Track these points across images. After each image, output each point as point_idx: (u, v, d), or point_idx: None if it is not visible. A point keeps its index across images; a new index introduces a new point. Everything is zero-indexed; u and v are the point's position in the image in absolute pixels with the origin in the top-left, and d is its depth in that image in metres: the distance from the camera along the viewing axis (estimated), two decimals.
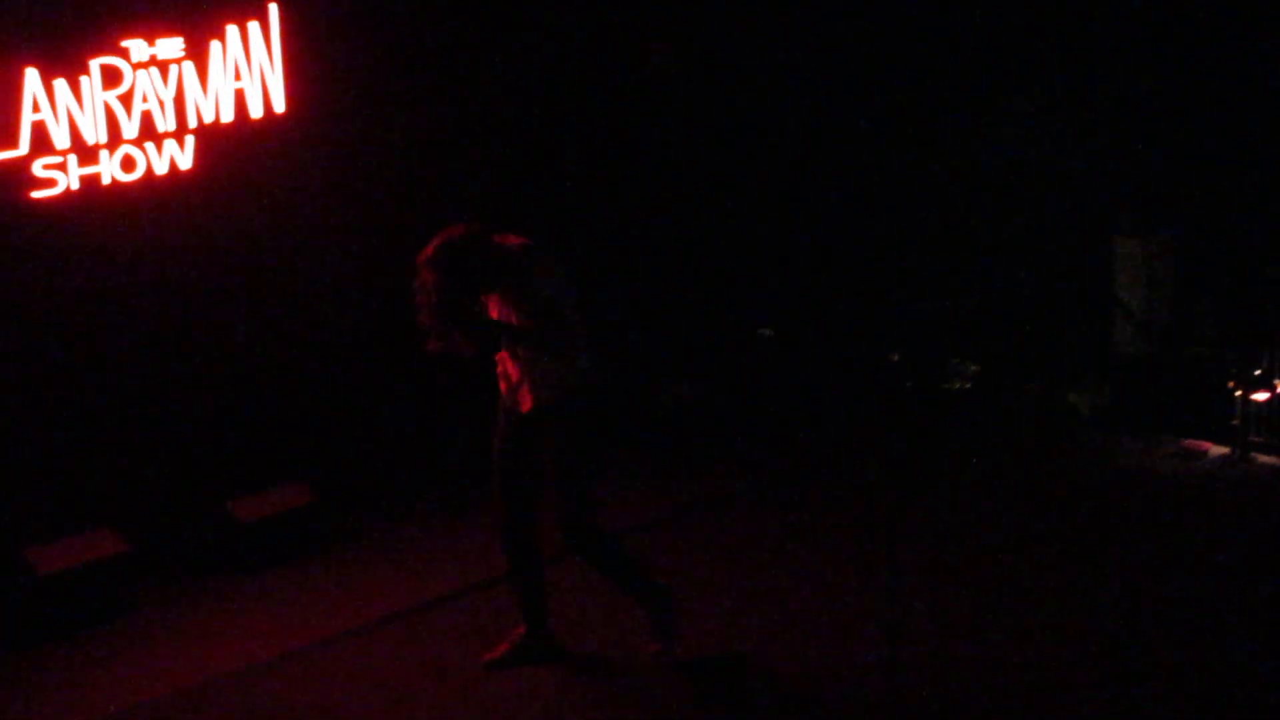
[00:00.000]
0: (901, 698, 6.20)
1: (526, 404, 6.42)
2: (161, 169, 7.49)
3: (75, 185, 7.28)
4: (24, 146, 7.11)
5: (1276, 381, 8.52)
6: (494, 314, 6.28)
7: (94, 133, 7.28)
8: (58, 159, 7.21)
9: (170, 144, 7.49)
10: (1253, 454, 8.56)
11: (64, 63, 7.15)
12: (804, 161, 9.98)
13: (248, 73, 7.66)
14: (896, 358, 9.77)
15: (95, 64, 7.21)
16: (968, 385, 9.63)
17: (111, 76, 7.27)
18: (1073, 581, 7.29)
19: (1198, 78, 9.43)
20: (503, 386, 6.49)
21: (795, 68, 9.85)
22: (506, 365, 6.44)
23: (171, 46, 7.40)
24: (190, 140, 7.54)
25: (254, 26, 7.62)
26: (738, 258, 9.93)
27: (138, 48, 7.31)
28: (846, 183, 10.07)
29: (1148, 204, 9.49)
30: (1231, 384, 8.61)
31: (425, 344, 6.18)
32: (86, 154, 7.28)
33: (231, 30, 7.56)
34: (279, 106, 7.76)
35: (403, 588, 7.55)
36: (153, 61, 7.36)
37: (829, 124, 9.96)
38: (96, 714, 6.68)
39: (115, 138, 7.34)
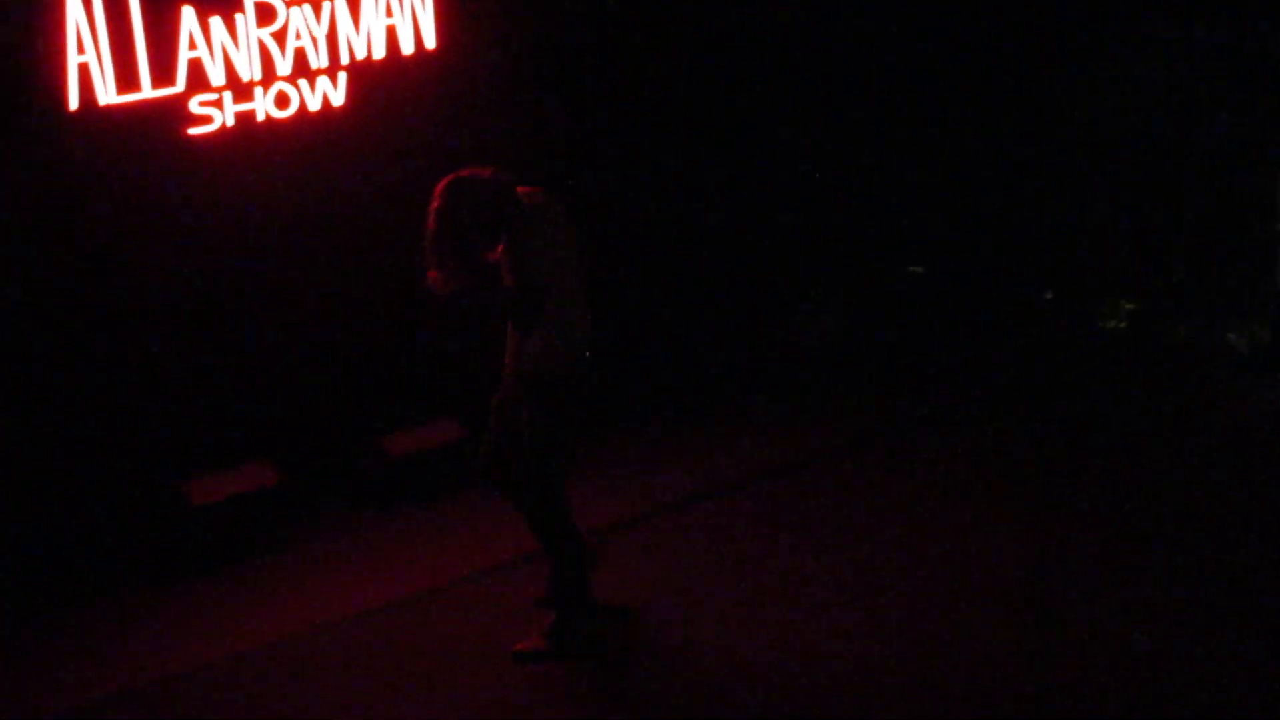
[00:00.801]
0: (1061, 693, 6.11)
1: (509, 368, 6.47)
2: (314, 105, 7.53)
3: (230, 122, 7.34)
4: (181, 84, 7.18)
5: None
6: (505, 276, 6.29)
7: (249, 70, 7.33)
8: (213, 96, 7.28)
9: (323, 80, 7.52)
10: None
11: (219, 0, 7.20)
12: (956, 94, 9.78)
13: (399, 8, 7.66)
14: (1050, 295, 9.63)
15: (250, 1, 7.25)
16: (1123, 324, 9.44)
17: (265, 13, 7.31)
18: (1243, 555, 7.08)
19: None
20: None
21: None
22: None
23: None
24: (343, 77, 7.57)
25: None
26: (889, 192, 9.78)
27: None
28: (998, 114, 9.85)
29: None
30: None
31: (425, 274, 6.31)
32: (241, 91, 7.34)
33: None
34: (430, 43, 7.76)
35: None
36: None
37: (980, 53, 9.73)
38: (246, 644, 6.85)
39: (269, 75, 7.39)
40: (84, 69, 6.93)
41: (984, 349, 9.25)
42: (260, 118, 7.41)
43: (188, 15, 7.12)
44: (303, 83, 7.48)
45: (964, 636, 6.58)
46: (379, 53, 7.64)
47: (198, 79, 7.22)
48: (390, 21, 7.64)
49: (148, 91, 7.10)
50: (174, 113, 7.22)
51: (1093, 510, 7.50)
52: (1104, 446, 8.13)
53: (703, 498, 7.86)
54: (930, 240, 9.84)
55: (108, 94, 7.00)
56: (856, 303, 9.57)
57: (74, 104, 6.94)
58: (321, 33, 7.46)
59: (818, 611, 6.85)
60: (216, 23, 7.19)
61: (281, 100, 7.45)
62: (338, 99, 7.58)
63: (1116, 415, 8.49)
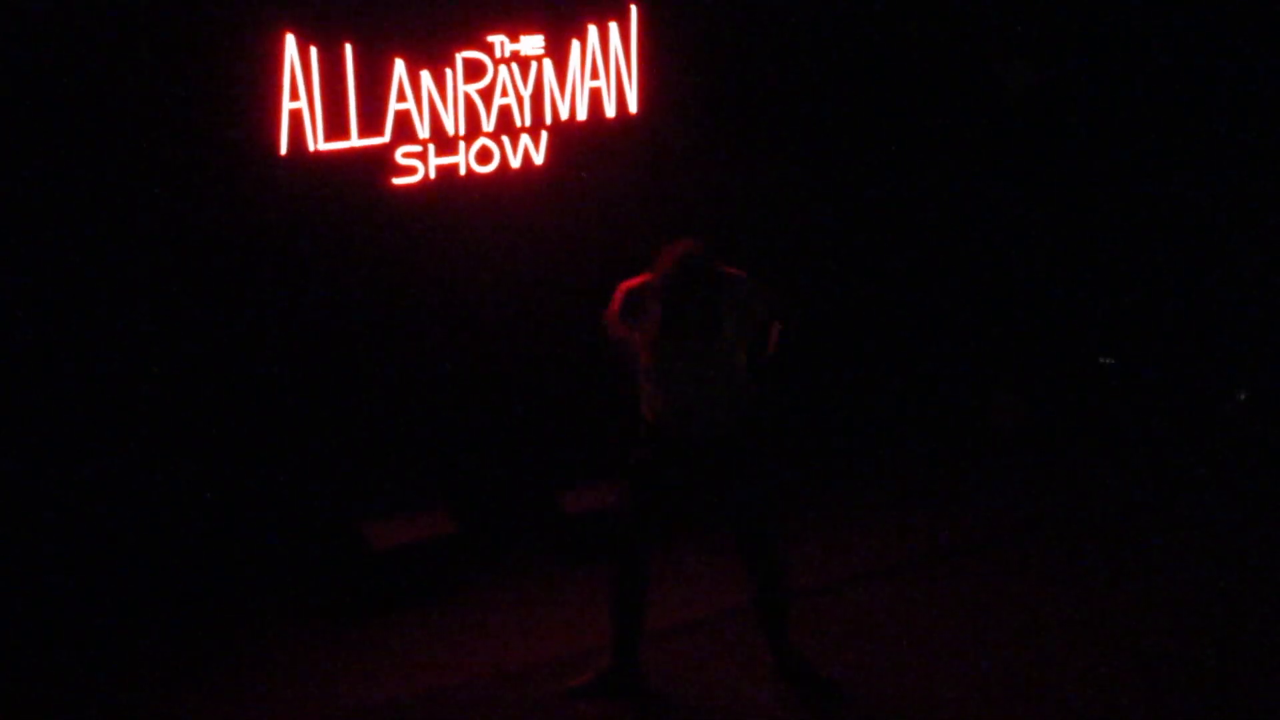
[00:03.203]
0: None
1: (674, 430, 6.58)
2: (515, 163, 7.64)
3: (433, 174, 7.48)
4: (388, 134, 7.33)
5: None
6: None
7: (454, 124, 7.46)
8: (418, 148, 7.42)
9: (525, 139, 7.64)
10: None
11: (430, 55, 7.34)
12: (1162, 184, 9.63)
13: (604, 72, 7.75)
14: (1243, 396, 9.39)
15: (460, 57, 7.39)
16: None
17: (474, 70, 7.44)
18: None
19: None
20: None
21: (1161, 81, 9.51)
22: None
23: (533, 43, 7.54)
24: (545, 136, 7.68)
25: (614, 26, 7.70)
26: (1086, 280, 9.64)
27: (501, 43, 7.46)
28: (1204, 207, 9.67)
29: None
30: None
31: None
32: (445, 144, 7.48)
33: (591, 29, 7.66)
34: (633, 107, 7.84)
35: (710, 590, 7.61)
36: (514, 57, 7.51)
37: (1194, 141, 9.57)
38: (417, 688, 6.91)
39: (474, 130, 7.51)
40: (296, 115, 7.12)
41: (1171, 448, 9.04)
42: (462, 172, 7.55)
43: (399, 67, 7.27)
44: (505, 140, 7.60)
45: None
46: (582, 114, 7.74)
47: (404, 130, 7.36)
48: (595, 84, 7.74)
49: (355, 140, 7.27)
50: (379, 162, 7.38)
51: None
52: None
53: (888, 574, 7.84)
54: (1125, 330, 9.67)
55: (317, 141, 7.17)
56: (1048, 390, 9.42)
57: (284, 149, 7.13)
58: (527, 92, 7.58)
59: None
60: (426, 76, 7.34)
61: (484, 156, 7.57)
62: (539, 157, 7.68)
63: None
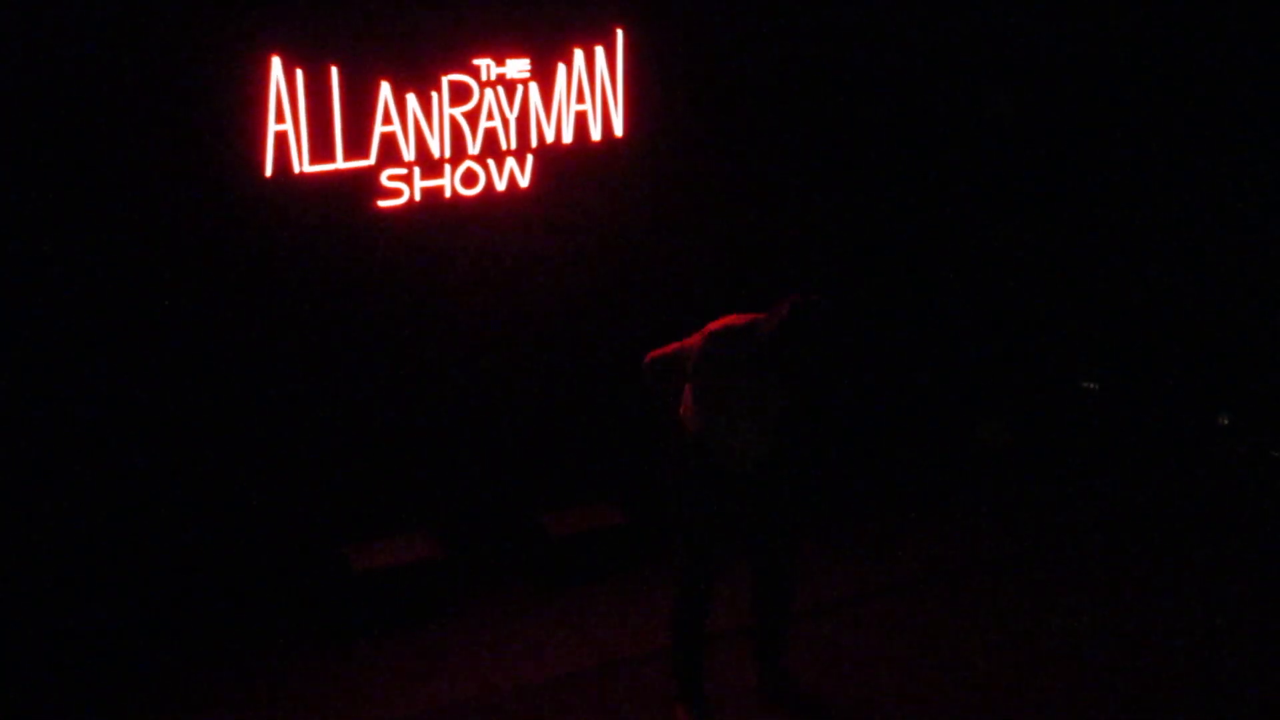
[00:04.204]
0: None
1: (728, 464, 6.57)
2: (501, 186, 7.64)
3: (418, 197, 7.48)
4: (373, 157, 7.34)
5: None
6: None
7: (439, 147, 7.47)
8: (403, 170, 7.42)
9: (511, 162, 7.64)
10: None
11: (416, 78, 7.35)
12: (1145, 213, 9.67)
13: (590, 95, 7.76)
14: (1226, 421, 9.41)
15: (445, 80, 7.40)
16: None
17: (460, 93, 7.45)
18: None
19: None
20: None
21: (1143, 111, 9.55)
22: None
23: (519, 67, 7.55)
24: (530, 159, 7.69)
25: (599, 50, 7.71)
26: (1070, 306, 9.67)
27: (487, 67, 7.47)
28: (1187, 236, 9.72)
29: None
30: None
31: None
32: (431, 167, 7.48)
33: (577, 53, 7.67)
34: (619, 130, 7.84)
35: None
36: (500, 81, 7.52)
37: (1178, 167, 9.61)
38: (396, 713, 6.88)
39: (459, 153, 7.52)
40: (281, 137, 7.12)
41: (1153, 472, 9.06)
42: (447, 194, 7.55)
43: (384, 90, 7.27)
44: (491, 163, 7.60)
45: None
46: (567, 138, 7.74)
47: (389, 153, 7.37)
48: (581, 108, 7.75)
49: (340, 162, 7.27)
50: (364, 184, 7.38)
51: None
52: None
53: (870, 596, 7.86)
54: (1108, 355, 9.70)
55: (302, 163, 7.17)
56: (1029, 415, 9.44)
57: (269, 170, 7.13)
58: (513, 115, 7.59)
59: None
60: (411, 99, 7.35)
61: (469, 179, 7.58)
62: (524, 180, 7.68)
63: None
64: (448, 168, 7.51)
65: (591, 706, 6.94)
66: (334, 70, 7.15)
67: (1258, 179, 9.61)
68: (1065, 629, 7.53)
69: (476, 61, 7.44)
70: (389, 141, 7.35)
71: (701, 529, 6.55)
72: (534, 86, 7.61)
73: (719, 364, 6.25)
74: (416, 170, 7.46)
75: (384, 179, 7.40)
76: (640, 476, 8.26)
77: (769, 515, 6.62)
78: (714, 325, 6.29)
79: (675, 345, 6.42)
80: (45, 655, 7.13)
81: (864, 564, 8.15)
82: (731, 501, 6.56)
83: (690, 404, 6.49)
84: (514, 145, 7.63)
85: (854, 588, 7.91)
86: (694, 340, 6.33)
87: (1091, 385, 9.66)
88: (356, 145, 7.29)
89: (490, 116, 7.54)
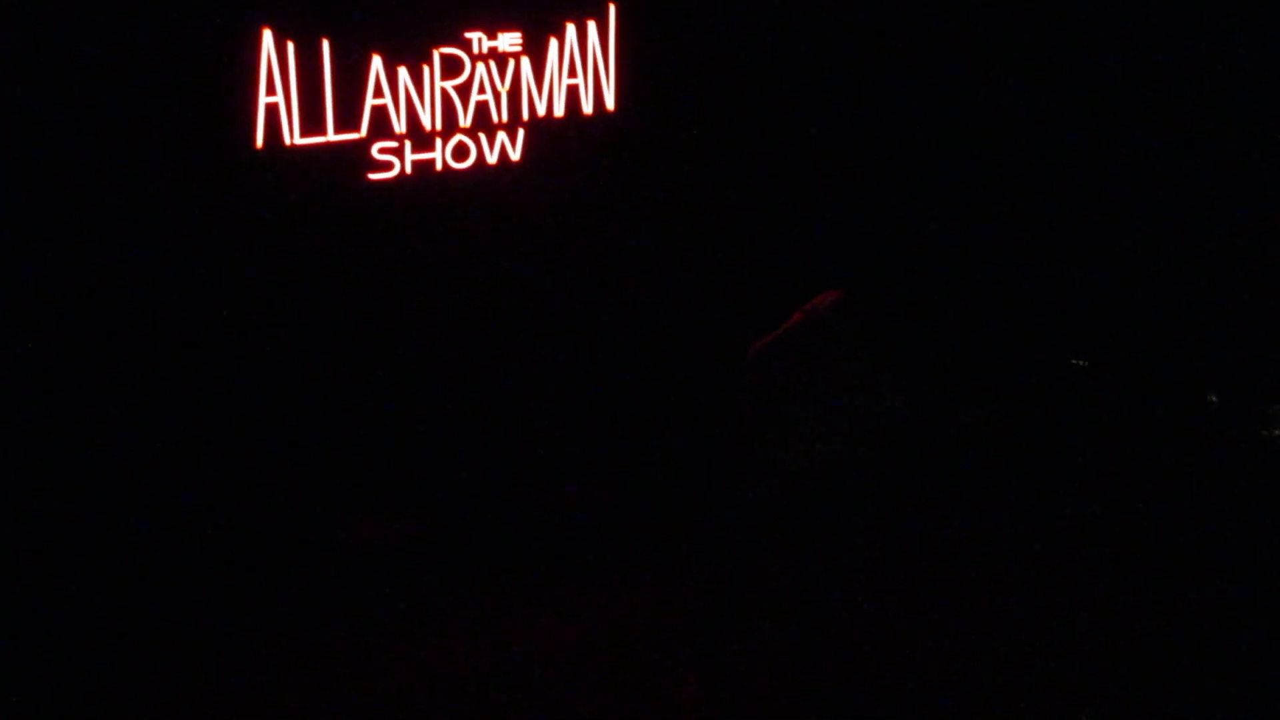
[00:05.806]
0: None
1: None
2: (492, 159, 7.64)
3: (409, 170, 7.47)
4: (364, 130, 7.33)
5: None
6: None
7: (430, 120, 7.46)
8: (394, 144, 7.42)
9: (502, 135, 7.64)
10: None
11: (407, 51, 7.33)
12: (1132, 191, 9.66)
13: (582, 69, 7.75)
14: (1214, 399, 9.43)
15: (437, 53, 7.38)
16: None
17: (451, 66, 7.44)
18: None
19: None
20: None
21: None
22: None
23: (511, 40, 7.54)
24: (522, 132, 7.68)
25: (592, 24, 7.70)
26: (1058, 281, 9.67)
27: (479, 40, 7.46)
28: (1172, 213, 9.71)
29: None
30: None
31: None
32: (422, 140, 7.47)
33: (570, 27, 7.65)
34: (610, 104, 7.84)
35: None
36: (492, 54, 7.51)
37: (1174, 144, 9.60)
38: (383, 686, 6.91)
39: (451, 126, 7.51)
40: (272, 109, 7.10)
41: (1141, 450, 9.08)
42: (438, 167, 7.54)
43: (376, 63, 7.26)
44: (482, 136, 7.60)
45: None
46: (559, 111, 7.74)
47: (380, 126, 7.36)
48: (573, 81, 7.74)
49: (331, 135, 7.26)
50: (355, 157, 7.37)
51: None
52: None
53: None
54: (1097, 333, 9.70)
55: (293, 135, 7.16)
56: (1018, 393, 9.45)
57: (260, 142, 7.11)
58: (505, 88, 7.58)
59: None
60: (403, 72, 7.33)
61: (460, 152, 7.57)
62: (515, 153, 7.69)
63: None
64: (439, 141, 7.51)
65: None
66: (325, 43, 7.13)
67: (1247, 157, 9.60)
68: (1054, 610, 7.54)
69: (468, 35, 7.43)
70: (380, 114, 7.34)
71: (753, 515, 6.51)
72: (526, 60, 7.60)
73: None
74: (408, 143, 7.45)
75: (375, 152, 7.39)
76: (622, 457, 8.31)
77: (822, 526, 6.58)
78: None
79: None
80: (34, 637, 7.12)
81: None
82: (789, 507, 6.51)
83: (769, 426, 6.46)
84: (505, 119, 7.62)
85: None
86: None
87: (1081, 362, 9.67)
88: (348, 118, 7.28)
89: (482, 90, 7.54)
